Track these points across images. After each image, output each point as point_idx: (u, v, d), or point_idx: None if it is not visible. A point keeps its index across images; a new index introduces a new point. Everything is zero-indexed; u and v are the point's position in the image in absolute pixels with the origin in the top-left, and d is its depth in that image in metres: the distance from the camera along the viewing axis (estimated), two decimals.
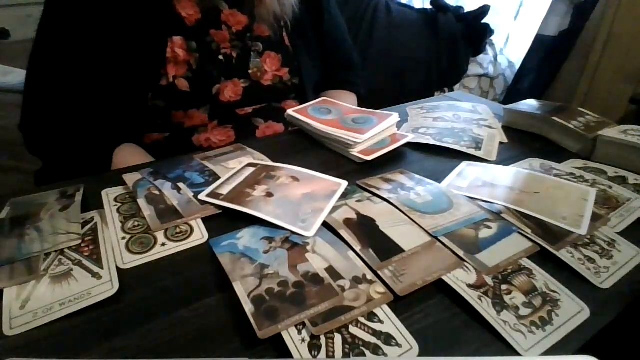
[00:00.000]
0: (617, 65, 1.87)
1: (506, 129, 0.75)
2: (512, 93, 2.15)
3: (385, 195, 0.51)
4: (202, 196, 0.50)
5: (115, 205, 0.49)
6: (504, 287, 0.39)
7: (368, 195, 0.52)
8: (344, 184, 0.53)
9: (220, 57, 0.71)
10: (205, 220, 0.47)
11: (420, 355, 0.33)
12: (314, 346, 0.32)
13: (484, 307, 0.36)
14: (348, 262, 0.40)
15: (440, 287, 0.39)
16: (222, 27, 0.71)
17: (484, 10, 1.75)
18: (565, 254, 0.43)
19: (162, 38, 0.65)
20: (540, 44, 2.04)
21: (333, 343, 0.33)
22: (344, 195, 0.51)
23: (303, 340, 0.33)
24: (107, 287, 0.37)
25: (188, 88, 0.67)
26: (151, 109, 0.68)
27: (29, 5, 1.58)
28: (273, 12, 0.73)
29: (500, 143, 0.69)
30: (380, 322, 0.35)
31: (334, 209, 0.48)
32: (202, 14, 0.69)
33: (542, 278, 0.40)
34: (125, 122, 0.69)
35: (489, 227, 0.46)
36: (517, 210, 0.49)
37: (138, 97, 0.67)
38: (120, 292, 0.37)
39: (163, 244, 0.43)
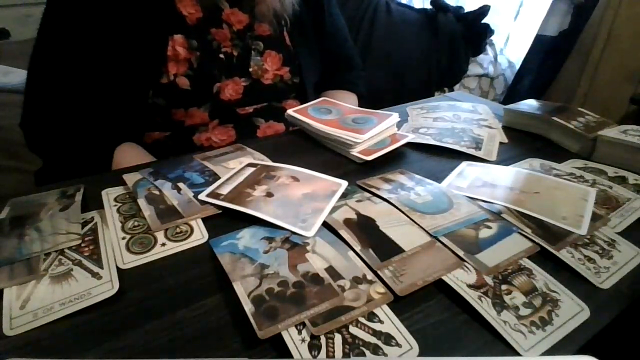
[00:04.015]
0: (617, 65, 1.87)
1: (506, 129, 0.75)
2: (512, 93, 2.15)
3: (385, 195, 0.51)
4: (202, 196, 0.50)
5: (115, 205, 0.49)
6: (504, 287, 0.39)
7: (368, 195, 0.52)
8: (344, 184, 0.53)
9: (221, 55, 0.71)
10: (205, 220, 0.47)
11: (420, 355, 0.33)
12: (314, 346, 0.32)
13: (484, 307, 0.36)
14: (348, 262, 0.40)
15: (440, 287, 0.39)
16: (223, 26, 0.71)
17: (484, 10, 1.75)
18: (565, 254, 0.43)
19: (162, 36, 0.65)
20: (540, 44, 2.04)
21: (333, 343, 0.33)
22: (344, 195, 0.51)
23: (303, 340, 0.33)
24: (107, 287, 0.37)
25: (189, 86, 0.67)
26: (152, 107, 0.68)
27: (29, 5, 1.58)
28: (273, 9, 0.73)
29: (500, 143, 0.69)
30: (380, 322, 0.35)
31: (334, 209, 0.48)
32: (203, 13, 0.69)
33: (542, 278, 0.40)
34: (125, 120, 0.69)
35: (489, 227, 0.46)
36: (517, 210, 0.49)
37: (139, 95, 0.67)
38: (120, 292, 0.37)
39: (163, 244, 0.43)
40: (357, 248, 0.42)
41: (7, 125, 1.02)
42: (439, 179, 0.57)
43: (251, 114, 0.76)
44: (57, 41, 0.64)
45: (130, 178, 0.53)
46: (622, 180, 0.58)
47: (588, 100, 1.99)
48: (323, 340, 0.33)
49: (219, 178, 0.54)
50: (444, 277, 0.39)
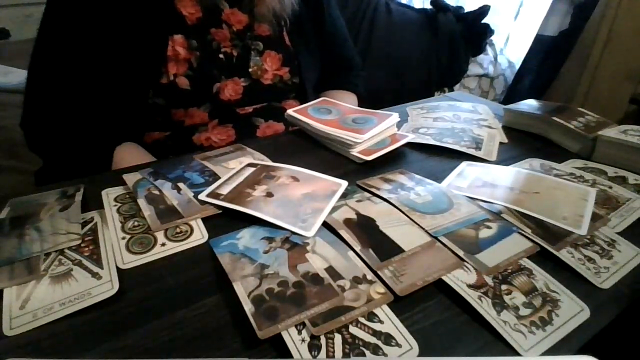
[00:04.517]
0: (617, 65, 1.87)
1: (506, 129, 0.75)
2: (512, 93, 2.15)
3: (385, 195, 0.51)
4: (202, 196, 0.50)
5: (115, 205, 0.49)
6: (504, 287, 0.39)
7: (368, 195, 0.52)
8: (344, 184, 0.53)
9: (221, 55, 0.71)
10: (205, 220, 0.47)
11: (420, 355, 0.33)
12: (314, 346, 0.32)
13: (484, 307, 0.36)
14: (348, 262, 0.40)
15: (440, 287, 0.39)
16: (223, 26, 0.71)
17: (483, 10, 1.75)
18: (565, 254, 0.43)
19: (162, 36, 0.65)
20: (540, 44, 2.04)
21: (333, 343, 0.33)
22: (344, 195, 0.51)
23: (303, 340, 0.33)
24: (107, 287, 0.37)
25: (188, 86, 0.67)
26: (151, 107, 0.68)
27: (29, 5, 1.58)
28: (273, 9, 0.73)
29: (500, 143, 0.69)
30: (380, 322, 0.35)
31: (334, 209, 0.48)
32: (203, 13, 0.69)
33: (542, 278, 0.40)
34: (125, 120, 0.69)
35: (489, 227, 0.46)
36: (517, 210, 0.49)
37: (138, 95, 0.67)
38: (120, 292, 0.37)
39: (163, 244, 0.43)
40: (357, 248, 0.42)
41: (7, 125, 1.02)
42: (439, 179, 0.57)
43: (251, 113, 0.76)
44: (57, 41, 0.64)
45: (130, 178, 0.53)
46: (622, 180, 0.58)
47: (588, 100, 1.99)
48: (323, 340, 0.33)
49: (219, 178, 0.54)
50: (444, 277, 0.39)
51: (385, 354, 0.32)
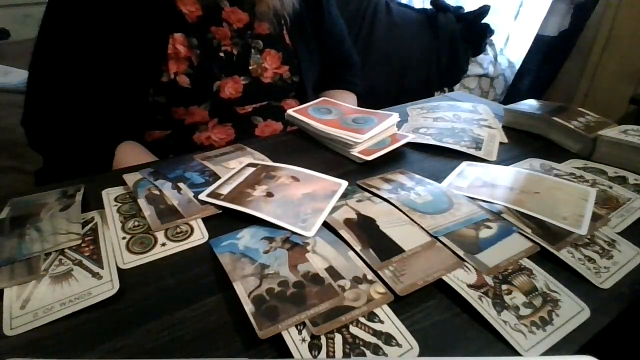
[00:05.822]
0: (617, 65, 1.88)
1: (506, 129, 0.75)
2: (512, 93, 2.15)
3: (385, 195, 0.51)
4: (202, 196, 0.50)
5: (116, 205, 0.49)
6: (504, 287, 0.39)
7: (368, 195, 0.52)
8: (344, 184, 0.53)
9: (221, 54, 0.71)
10: (205, 220, 0.47)
11: (420, 355, 0.33)
12: (314, 346, 0.32)
13: (484, 307, 0.36)
14: (348, 262, 0.40)
15: (440, 287, 0.39)
16: (223, 24, 0.71)
17: (483, 10, 1.75)
18: (565, 254, 0.43)
19: (163, 34, 0.66)
20: (540, 44, 2.05)
21: (333, 343, 0.33)
22: (344, 195, 0.51)
23: (303, 340, 0.33)
24: (107, 287, 0.37)
25: (189, 84, 0.67)
26: (152, 105, 0.68)
27: (29, 5, 1.58)
28: (273, 8, 0.73)
29: (500, 143, 0.69)
30: (381, 322, 0.35)
31: (334, 209, 0.48)
32: (203, 11, 0.69)
33: (542, 278, 0.40)
34: (126, 118, 0.69)
35: (489, 227, 0.46)
36: (517, 210, 0.49)
37: (139, 93, 0.67)
38: (120, 292, 0.37)
39: (163, 244, 0.43)
40: (358, 248, 0.42)
41: (7, 125, 1.02)
42: (439, 179, 0.57)
43: (250, 113, 0.76)
44: (58, 39, 0.65)
45: (130, 178, 0.53)
46: (622, 180, 0.58)
47: (588, 100, 1.99)
48: (323, 340, 0.33)
49: (219, 178, 0.54)
50: (444, 277, 0.39)
51: (385, 354, 0.32)
